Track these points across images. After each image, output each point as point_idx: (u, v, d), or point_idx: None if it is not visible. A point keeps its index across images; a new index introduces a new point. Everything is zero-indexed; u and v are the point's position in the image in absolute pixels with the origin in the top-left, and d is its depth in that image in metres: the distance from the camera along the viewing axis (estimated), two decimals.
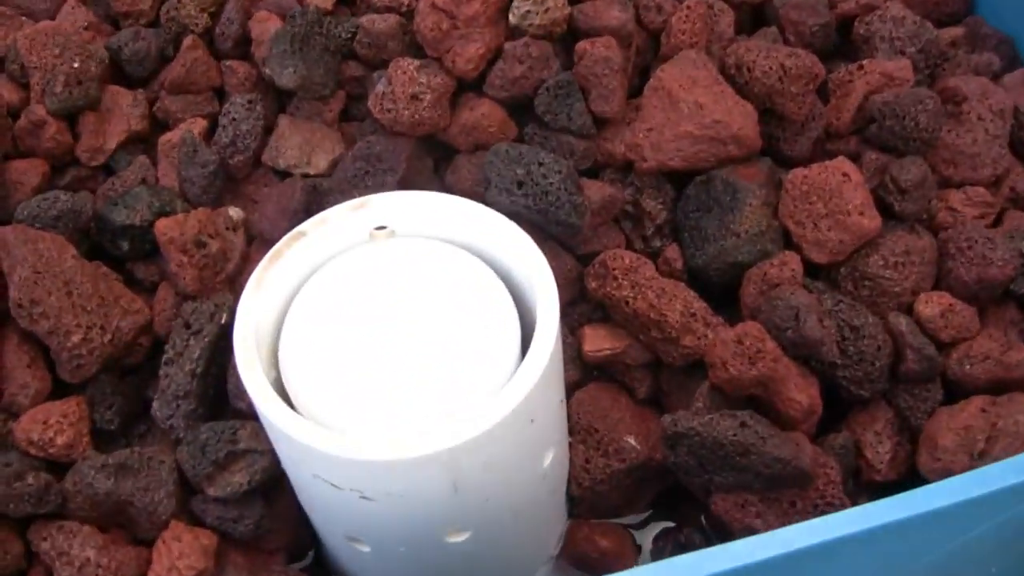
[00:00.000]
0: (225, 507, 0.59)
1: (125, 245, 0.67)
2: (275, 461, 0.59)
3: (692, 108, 0.65)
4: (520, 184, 0.64)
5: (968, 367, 0.60)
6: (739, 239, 0.63)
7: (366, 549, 0.57)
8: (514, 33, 0.69)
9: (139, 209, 0.66)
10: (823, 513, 0.58)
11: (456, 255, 0.56)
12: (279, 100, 0.73)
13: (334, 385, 0.53)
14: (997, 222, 0.66)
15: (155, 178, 0.71)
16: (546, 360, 0.51)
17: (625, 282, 0.63)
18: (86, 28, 0.76)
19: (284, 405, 0.51)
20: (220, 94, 0.74)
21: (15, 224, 0.64)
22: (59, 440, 0.61)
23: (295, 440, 0.50)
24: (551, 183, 0.64)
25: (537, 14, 0.68)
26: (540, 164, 0.64)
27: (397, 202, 0.58)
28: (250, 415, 0.61)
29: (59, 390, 0.64)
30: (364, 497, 0.52)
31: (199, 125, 0.71)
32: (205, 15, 0.73)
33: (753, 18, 0.74)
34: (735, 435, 0.57)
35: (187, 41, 0.72)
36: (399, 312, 0.54)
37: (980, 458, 0.57)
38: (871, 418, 0.62)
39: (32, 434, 0.61)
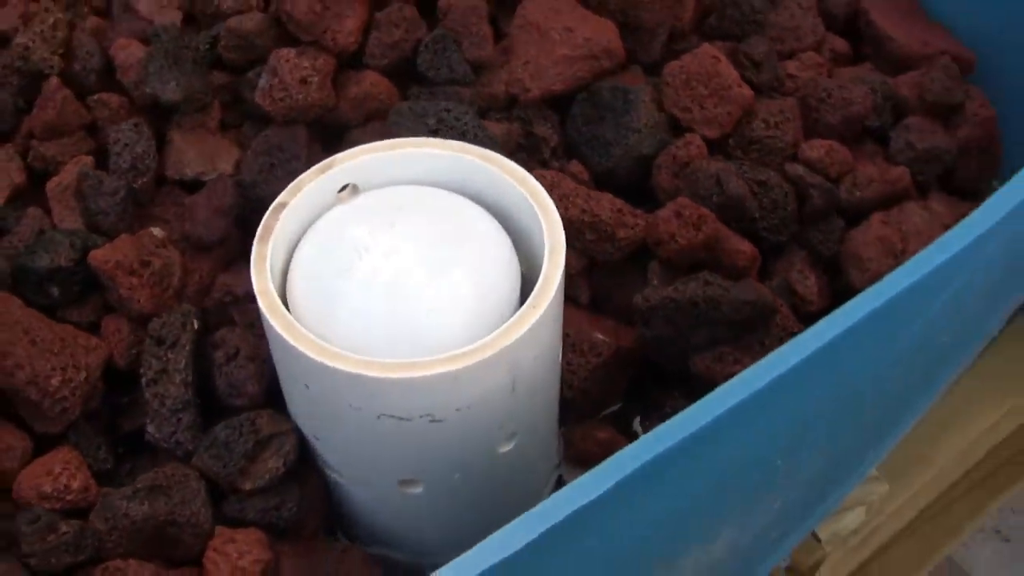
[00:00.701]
0: (264, 498, 0.60)
1: (55, 291, 0.65)
2: (301, 439, 0.60)
3: (562, 33, 0.72)
4: (435, 132, 0.68)
5: (858, 193, 0.69)
6: (640, 134, 0.70)
7: (419, 490, 0.59)
8: (377, 4, 0.73)
9: (61, 251, 0.65)
10: None
11: (436, 194, 0.60)
12: (155, 120, 0.73)
13: (356, 324, 0.55)
14: (829, 76, 0.76)
15: (51, 224, 0.69)
16: (563, 254, 0.56)
17: (554, 195, 0.68)
18: None
19: (347, 353, 0.53)
20: (90, 130, 0.73)
21: None
22: (74, 485, 0.59)
23: (367, 379, 0.52)
24: (466, 124, 0.68)
25: None
26: (447, 111, 0.69)
27: (364, 158, 0.60)
28: (247, 410, 0.62)
29: (38, 447, 0.62)
30: (434, 420, 0.54)
31: (84, 162, 0.70)
32: (57, 56, 0.72)
33: None
34: (704, 292, 0.63)
35: (52, 83, 0.70)
36: (401, 248, 0.57)
37: (903, 255, 0.66)
38: (790, 261, 0.70)
39: (43, 487, 0.59)
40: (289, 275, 0.58)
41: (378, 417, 0.54)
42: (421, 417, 0.54)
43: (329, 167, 0.60)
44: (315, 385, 0.55)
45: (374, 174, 0.61)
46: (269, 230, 0.58)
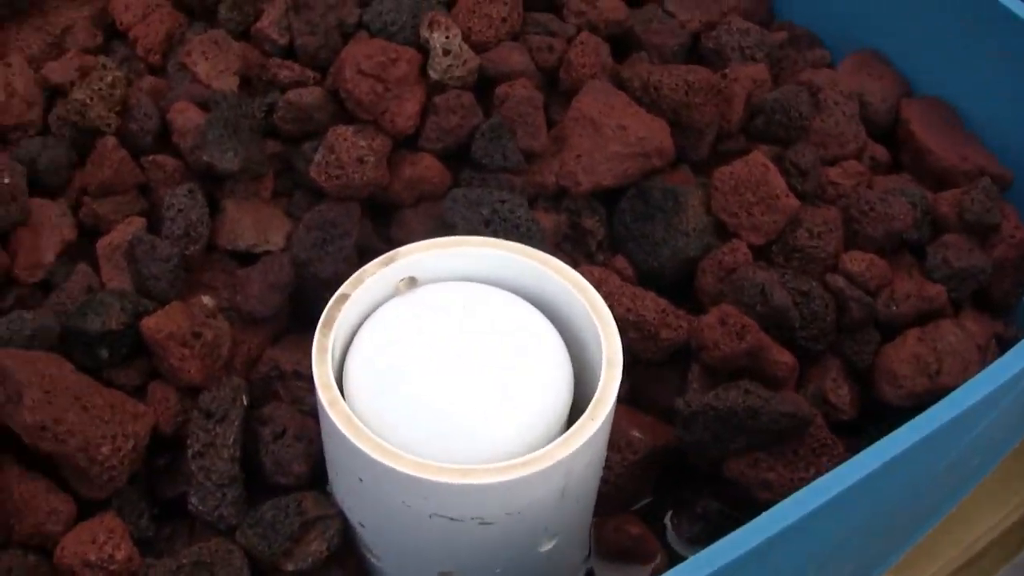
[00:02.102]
0: None
1: (104, 353, 0.66)
2: (345, 523, 0.61)
3: (615, 130, 0.73)
4: (488, 223, 0.69)
5: (895, 307, 0.71)
6: (688, 237, 0.71)
7: None
8: (434, 88, 0.74)
9: (112, 314, 0.65)
10: (823, 455, 0.67)
11: (496, 294, 0.61)
12: (207, 185, 0.73)
13: (412, 421, 0.56)
14: (869, 186, 0.78)
15: (100, 284, 0.70)
16: (620, 367, 0.57)
17: (600, 292, 0.69)
18: None
19: (406, 454, 0.53)
20: (143, 190, 0.73)
21: (6, 349, 0.62)
22: (118, 555, 0.59)
23: (425, 481, 0.53)
24: (519, 217, 0.69)
25: (457, 66, 0.73)
26: (503, 202, 0.70)
27: (426, 252, 0.61)
28: (292, 489, 0.63)
29: (81, 510, 0.62)
30: (483, 523, 0.55)
31: (137, 223, 0.71)
32: (114, 114, 0.73)
33: (617, 47, 0.83)
34: (744, 401, 0.65)
35: (109, 143, 0.71)
36: (461, 348, 0.58)
37: (937, 375, 0.68)
38: (824, 369, 0.71)
39: (88, 555, 0.59)
40: (347, 364, 0.59)
41: (430, 516, 0.55)
42: (472, 519, 0.55)
43: (392, 260, 0.61)
44: (369, 480, 0.56)
45: (434, 268, 0.62)
46: (332, 320, 0.59)
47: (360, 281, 0.60)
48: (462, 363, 0.57)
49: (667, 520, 0.71)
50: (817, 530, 0.56)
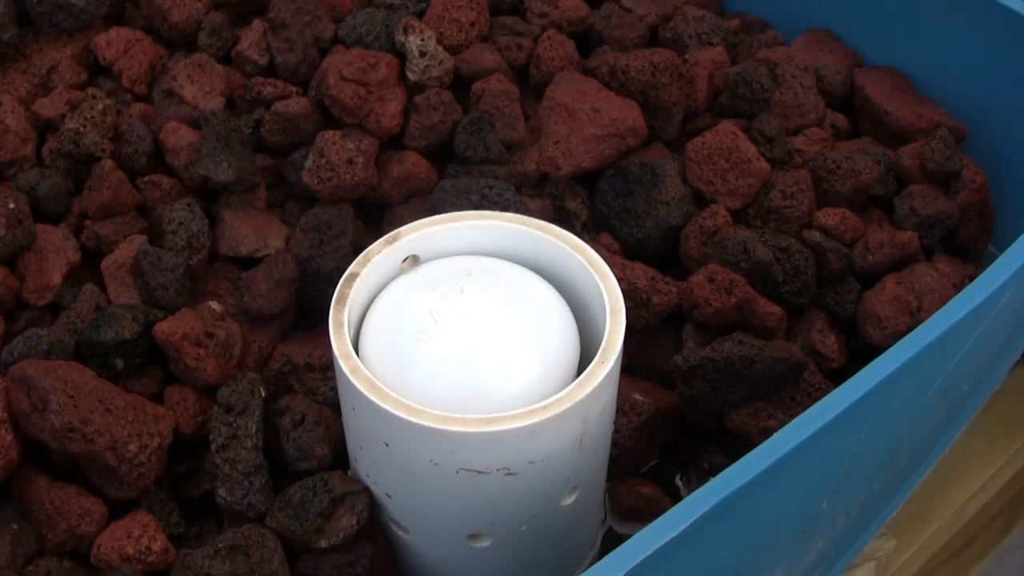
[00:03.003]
0: (339, 555, 0.62)
1: (120, 363, 0.68)
2: (372, 498, 0.63)
3: (590, 114, 0.76)
4: (478, 208, 0.72)
5: (871, 256, 0.75)
6: (669, 206, 0.75)
7: (486, 544, 0.62)
8: (414, 89, 0.77)
9: (124, 324, 0.68)
10: (819, 399, 0.70)
11: (497, 263, 0.64)
12: (202, 201, 0.76)
13: (430, 384, 0.58)
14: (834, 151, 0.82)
15: (107, 301, 0.72)
16: (623, 313, 0.60)
17: None
18: None
19: (429, 409, 0.56)
20: (141, 210, 0.76)
21: (28, 360, 0.64)
22: (155, 547, 0.61)
23: (450, 434, 0.55)
24: (507, 199, 0.72)
25: (434, 67, 0.76)
26: (490, 187, 0.73)
27: (428, 229, 0.64)
28: (315, 473, 0.65)
29: (112, 513, 0.64)
30: (509, 473, 0.57)
31: (139, 241, 0.73)
32: (107, 140, 0.75)
33: (580, 44, 0.87)
34: (739, 351, 0.68)
35: (106, 165, 0.73)
36: (472, 311, 0.60)
37: (919, 312, 0.71)
38: (810, 322, 0.74)
39: (125, 549, 0.61)
40: (361, 340, 0.61)
41: (457, 472, 0.57)
42: (498, 471, 0.57)
43: (396, 238, 0.63)
44: (396, 442, 0.58)
45: (436, 244, 0.64)
46: (344, 297, 0.61)
47: (367, 260, 0.63)
48: (472, 325, 0.60)
49: (678, 481, 0.73)
50: (824, 453, 0.58)
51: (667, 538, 0.51)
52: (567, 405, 0.56)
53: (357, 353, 0.61)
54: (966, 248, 0.79)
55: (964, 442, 0.92)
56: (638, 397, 0.72)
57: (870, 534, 0.76)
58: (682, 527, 0.52)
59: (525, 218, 0.65)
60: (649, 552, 0.50)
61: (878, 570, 0.84)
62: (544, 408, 0.56)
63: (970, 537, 1.08)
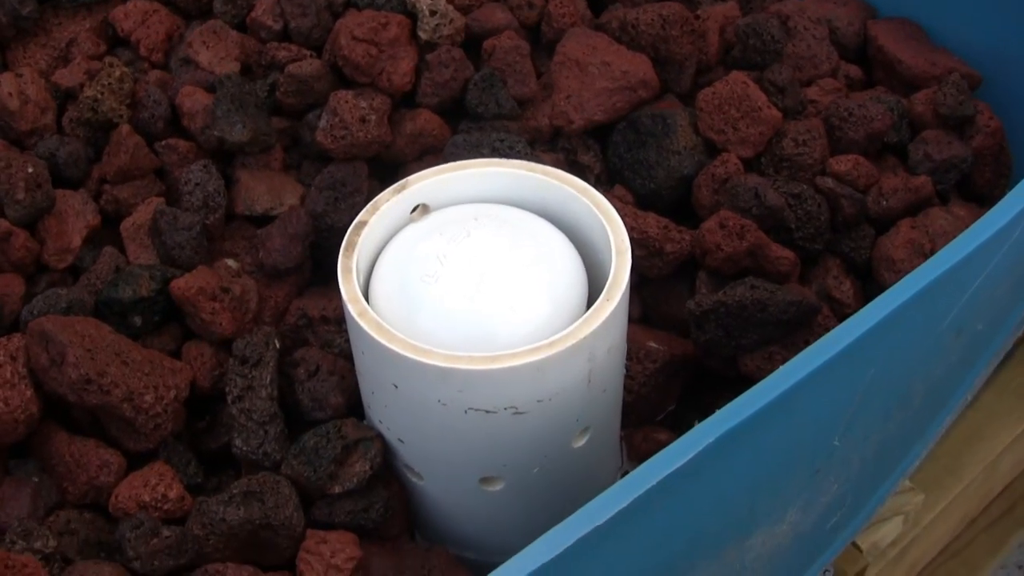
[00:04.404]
0: (353, 500, 0.63)
1: (138, 320, 0.69)
2: (386, 445, 0.63)
3: (601, 67, 0.77)
4: None
5: (885, 202, 0.74)
6: (681, 155, 0.75)
7: (498, 487, 0.62)
8: (425, 48, 0.78)
9: (142, 283, 0.69)
10: None
11: (505, 209, 0.64)
12: (218, 163, 0.77)
13: (439, 325, 0.59)
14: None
15: (126, 261, 0.73)
16: (629, 254, 0.60)
17: None
18: None
19: (437, 349, 0.56)
20: (159, 173, 0.77)
21: (46, 316, 0.65)
22: (171, 495, 0.62)
23: (457, 372, 0.55)
24: (518, 152, 0.73)
25: (445, 25, 0.77)
26: (501, 141, 0.73)
27: (435, 178, 0.64)
28: (330, 421, 0.66)
29: (130, 464, 0.65)
30: (517, 412, 0.58)
31: (157, 203, 0.74)
32: (124, 106, 0.77)
33: (593, 3, 0.87)
34: (752, 295, 0.68)
35: (124, 130, 0.75)
36: (479, 254, 0.61)
37: (932, 254, 0.71)
38: (825, 268, 0.74)
39: (142, 497, 0.62)
40: (371, 285, 0.62)
41: (465, 412, 0.58)
42: (506, 409, 0.58)
43: (404, 187, 0.64)
44: (404, 383, 0.59)
45: (444, 193, 0.65)
46: (353, 244, 0.62)
47: (376, 208, 0.63)
48: (479, 268, 0.60)
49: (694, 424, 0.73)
50: (834, 384, 0.58)
51: (675, 466, 0.51)
52: (572, 342, 0.56)
53: (368, 300, 0.62)
54: (982, 194, 0.79)
55: (993, 399, 0.92)
56: (652, 344, 0.72)
57: (892, 483, 0.75)
58: (691, 455, 0.52)
59: (532, 164, 0.65)
60: (658, 479, 0.51)
61: (907, 525, 0.84)
62: (550, 345, 0.56)
63: (1009, 504, 1.08)
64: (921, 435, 0.76)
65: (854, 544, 0.81)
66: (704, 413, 0.73)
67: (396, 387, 0.59)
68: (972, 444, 0.91)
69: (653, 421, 0.73)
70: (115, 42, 0.85)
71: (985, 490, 0.99)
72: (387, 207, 0.64)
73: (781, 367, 0.55)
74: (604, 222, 0.62)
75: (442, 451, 0.62)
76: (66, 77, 0.79)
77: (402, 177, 0.77)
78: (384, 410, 0.62)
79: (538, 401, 0.58)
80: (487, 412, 0.58)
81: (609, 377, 0.62)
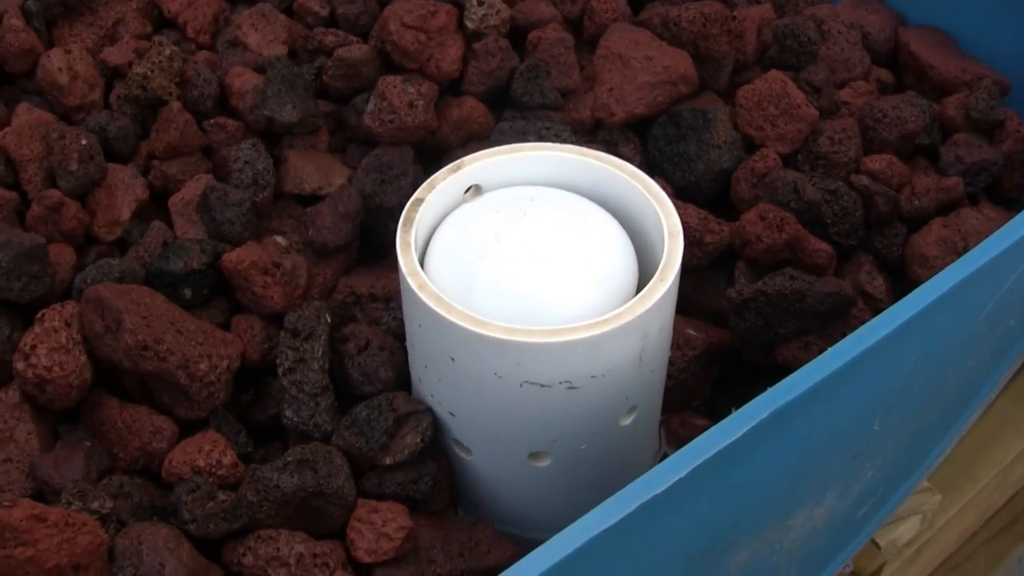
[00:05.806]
0: (403, 472, 0.64)
1: (188, 292, 0.70)
2: (435, 418, 0.65)
3: (643, 62, 0.78)
4: None
5: (917, 201, 0.76)
6: (720, 149, 0.77)
7: (546, 463, 0.64)
8: (472, 38, 0.79)
9: (193, 255, 0.70)
10: None
11: (557, 192, 0.66)
12: (266, 142, 0.78)
13: (495, 301, 0.60)
14: None
15: (174, 236, 0.74)
16: (681, 237, 0.62)
17: None
18: None
19: (496, 322, 0.58)
20: (206, 152, 0.78)
21: (102, 283, 0.66)
22: (225, 461, 0.63)
23: (515, 344, 0.57)
24: (564, 140, 0.74)
25: (492, 15, 0.79)
26: (547, 129, 0.75)
27: (490, 159, 0.66)
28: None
29: (181, 432, 0.66)
30: (571, 387, 0.59)
31: (205, 179, 0.75)
32: (174, 84, 0.78)
33: (631, 2, 0.89)
34: (791, 285, 0.69)
35: (174, 107, 0.76)
36: (534, 233, 0.62)
37: (965, 251, 0.72)
38: (858, 264, 0.76)
39: (197, 463, 0.63)
40: (427, 260, 0.63)
41: (520, 385, 0.59)
42: (560, 384, 0.59)
43: (459, 167, 0.66)
44: (461, 355, 0.60)
45: (497, 175, 0.66)
46: (411, 220, 0.63)
47: (432, 186, 0.65)
48: (535, 246, 0.62)
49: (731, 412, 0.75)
50: (876, 369, 0.60)
51: (726, 443, 0.53)
52: (628, 319, 0.58)
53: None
54: (1011, 198, 0.81)
55: (1008, 405, 0.94)
56: (692, 332, 0.73)
57: (917, 477, 0.77)
58: (742, 431, 0.54)
59: (584, 149, 0.67)
60: (709, 455, 0.52)
61: (924, 524, 0.86)
62: (606, 320, 0.58)
63: (1011, 518, 1.10)
64: (947, 431, 0.78)
65: (873, 541, 0.83)
66: (739, 402, 0.75)
67: (453, 360, 0.60)
68: (987, 449, 0.93)
69: (689, 407, 0.75)
70: (160, 23, 0.86)
71: (997, 496, 1.01)
72: (443, 186, 0.65)
73: (831, 347, 0.57)
74: (656, 206, 0.63)
75: (493, 425, 0.63)
76: (114, 55, 0.80)
77: (446, 163, 0.79)
78: (437, 384, 0.64)
79: (592, 377, 0.59)
80: (542, 386, 0.59)
81: (658, 357, 0.63)
